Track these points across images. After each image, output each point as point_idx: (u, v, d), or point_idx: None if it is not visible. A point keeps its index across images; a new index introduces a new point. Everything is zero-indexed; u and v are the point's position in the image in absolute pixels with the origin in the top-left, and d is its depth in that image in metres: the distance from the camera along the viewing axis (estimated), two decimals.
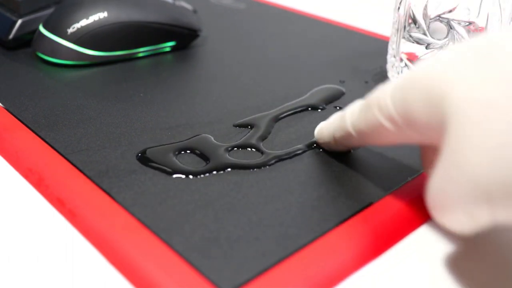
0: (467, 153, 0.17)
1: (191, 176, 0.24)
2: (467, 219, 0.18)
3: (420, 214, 0.23)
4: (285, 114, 0.29)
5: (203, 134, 0.27)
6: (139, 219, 0.21)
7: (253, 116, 0.29)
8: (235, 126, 0.28)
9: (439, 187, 0.18)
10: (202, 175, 0.24)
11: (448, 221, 0.19)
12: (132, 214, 0.21)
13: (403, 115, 0.19)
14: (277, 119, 0.29)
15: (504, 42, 0.18)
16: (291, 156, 0.25)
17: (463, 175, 0.17)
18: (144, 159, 0.25)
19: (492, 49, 0.18)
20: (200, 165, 0.24)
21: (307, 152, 0.26)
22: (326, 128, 0.25)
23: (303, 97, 0.31)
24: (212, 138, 0.27)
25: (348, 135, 0.23)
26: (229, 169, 0.24)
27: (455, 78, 0.18)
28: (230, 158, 0.25)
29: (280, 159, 0.25)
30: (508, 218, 0.17)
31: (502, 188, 0.16)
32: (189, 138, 0.26)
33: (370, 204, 0.22)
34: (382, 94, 0.20)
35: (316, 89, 0.32)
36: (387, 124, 0.20)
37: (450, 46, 0.20)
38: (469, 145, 0.17)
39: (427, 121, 0.19)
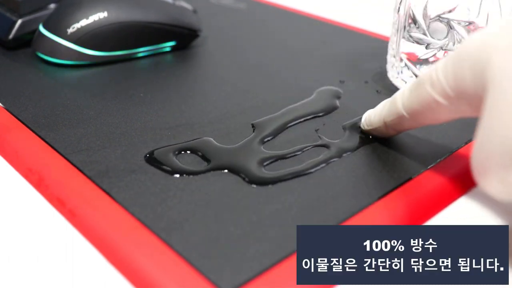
0: (500, 117, 0.18)
1: (191, 176, 0.24)
2: (501, 185, 0.18)
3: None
4: (295, 122, 0.28)
5: (204, 137, 0.27)
6: (139, 219, 0.21)
7: (265, 118, 0.29)
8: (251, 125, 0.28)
9: (478, 152, 0.19)
10: (202, 175, 0.24)
11: (487, 187, 0.19)
12: (132, 214, 0.21)
13: (454, 88, 0.20)
14: (284, 127, 0.28)
15: None
16: (291, 156, 0.25)
17: (495, 139, 0.18)
18: (150, 160, 0.25)
19: None
20: (200, 165, 0.24)
21: (307, 152, 0.26)
22: (375, 114, 0.25)
23: (311, 100, 0.31)
24: (213, 139, 0.27)
25: (400, 118, 0.23)
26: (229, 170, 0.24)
27: (494, 46, 0.19)
28: (230, 158, 0.25)
29: (280, 159, 0.25)
30: None
31: None
32: (190, 140, 0.26)
33: (366, 206, 0.22)
34: (433, 70, 0.21)
35: (321, 89, 0.32)
36: (440, 99, 0.21)
37: (494, 21, 0.21)
38: (502, 110, 0.18)
39: (475, 91, 0.19)
